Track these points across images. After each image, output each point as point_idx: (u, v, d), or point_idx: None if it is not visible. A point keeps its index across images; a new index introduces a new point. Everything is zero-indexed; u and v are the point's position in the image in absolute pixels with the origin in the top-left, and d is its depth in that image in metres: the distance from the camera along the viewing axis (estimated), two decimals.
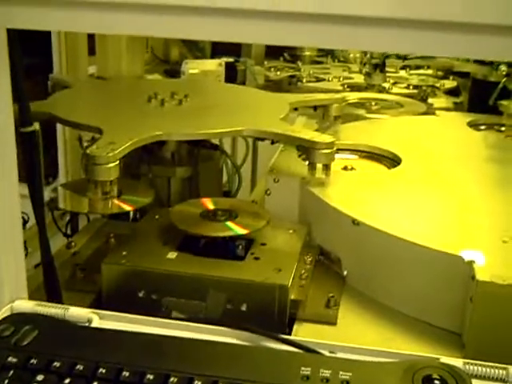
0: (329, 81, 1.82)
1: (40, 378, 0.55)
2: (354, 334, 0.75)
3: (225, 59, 1.61)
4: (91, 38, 1.54)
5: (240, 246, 0.81)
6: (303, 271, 0.81)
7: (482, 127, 1.35)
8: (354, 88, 1.73)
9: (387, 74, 1.82)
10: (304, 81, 1.80)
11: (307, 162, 0.93)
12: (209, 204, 0.87)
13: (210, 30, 0.54)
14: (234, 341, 0.64)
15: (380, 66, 1.69)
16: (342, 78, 1.83)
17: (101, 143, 0.84)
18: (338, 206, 0.86)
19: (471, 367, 0.58)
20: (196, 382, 0.55)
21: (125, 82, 1.39)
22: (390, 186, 0.97)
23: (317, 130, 1.06)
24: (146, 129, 0.92)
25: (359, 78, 1.80)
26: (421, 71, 2.00)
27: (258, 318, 0.73)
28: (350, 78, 1.84)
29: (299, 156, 1.00)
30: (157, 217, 0.89)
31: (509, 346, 0.66)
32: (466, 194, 0.94)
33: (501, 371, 0.58)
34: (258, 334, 0.63)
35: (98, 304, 0.77)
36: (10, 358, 0.56)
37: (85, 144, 1.02)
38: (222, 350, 0.61)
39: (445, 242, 0.76)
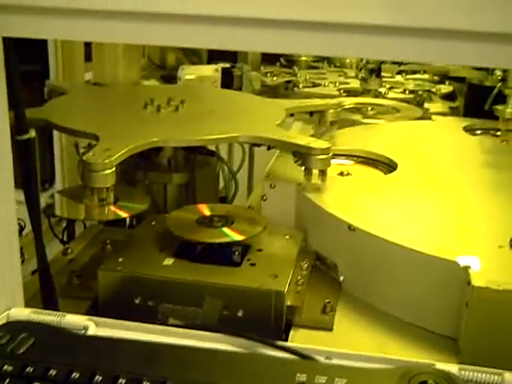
0: (325, 86, 1.83)
1: None
2: (350, 340, 0.75)
3: (221, 65, 1.61)
4: (88, 44, 1.54)
5: (236, 252, 0.81)
6: (299, 277, 0.81)
7: (478, 132, 1.36)
8: (350, 93, 1.73)
9: (383, 79, 1.83)
10: (300, 86, 1.81)
11: (303, 168, 0.93)
12: (205, 210, 0.87)
13: (206, 38, 0.54)
14: (230, 347, 0.64)
15: (376, 71, 1.69)
16: (338, 84, 1.83)
17: (97, 150, 0.84)
18: (334, 211, 0.87)
19: (466, 373, 0.58)
20: None
21: (121, 88, 1.39)
22: (386, 192, 0.97)
23: (313, 136, 1.07)
24: (142, 135, 0.92)
25: (355, 84, 1.80)
26: (417, 76, 2.01)
27: (254, 324, 0.74)
28: (346, 84, 1.85)
29: (295, 162, 1.00)
30: (153, 223, 0.89)
31: (504, 351, 0.67)
32: (462, 199, 0.94)
33: (496, 377, 0.58)
34: (254, 340, 0.63)
35: (94, 311, 0.77)
36: (5, 367, 0.56)
37: (81, 150, 1.02)
38: (218, 357, 0.61)
39: (440, 248, 0.76)
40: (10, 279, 0.67)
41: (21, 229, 0.94)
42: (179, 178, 1.06)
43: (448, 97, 1.83)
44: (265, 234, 0.85)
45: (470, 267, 0.71)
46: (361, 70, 1.79)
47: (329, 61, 2.14)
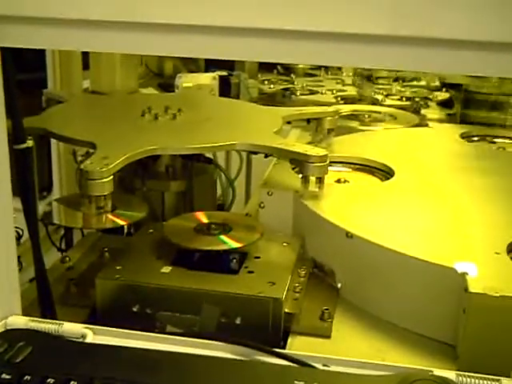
0: (322, 93, 1.83)
1: None
2: (348, 347, 0.75)
3: (218, 73, 1.61)
4: (85, 52, 1.54)
5: (234, 260, 0.81)
6: (297, 284, 0.81)
7: (475, 139, 1.36)
8: (348, 100, 1.73)
9: (380, 86, 1.84)
10: (298, 94, 1.81)
11: (300, 175, 0.94)
12: (203, 218, 0.88)
13: (202, 47, 0.55)
14: (228, 355, 0.64)
15: (370, 77, 1.70)
16: (335, 91, 1.84)
17: (95, 158, 0.84)
18: (332, 218, 0.87)
19: (464, 379, 0.58)
20: None
21: (119, 97, 1.39)
22: (383, 199, 0.97)
23: (310, 143, 1.07)
24: (139, 143, 0.92)
25: (352, 91, 1.81)
26: (414, 83, 2.01)
27: (252, 331, 0.74)
28: (344, 91, 1.85)
29: (293, 169, 1.00)
30: (151, 231, 0.89)
31: (502, 357, 0.67)
32: (459, 206, 0.94)
33: (493, 383, 0.58)
34: (252, 347, 0.63)
35: (92, 319, 0.77)
36: (3, 375, 0.56)
37: (79, 158, 1.02)
38: (216, 365, 0.61)
39: (438, 254, 0.76)
40: (7, 287, 0.67)
41: (18, 237, 0.94)
42: (177, 185, 1.06)
43: (445, 103, 1.83)
44: (262, 242, 0.85)
45: (467, 274, 0.72)
46: (355, 75, 1.80)
47: (326, 68, 2.15)
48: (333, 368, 0.61)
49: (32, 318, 0.66)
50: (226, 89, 1.61)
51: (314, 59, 0.57)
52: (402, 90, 1.89)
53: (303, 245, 0.90)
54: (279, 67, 2.12)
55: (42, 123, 1.01)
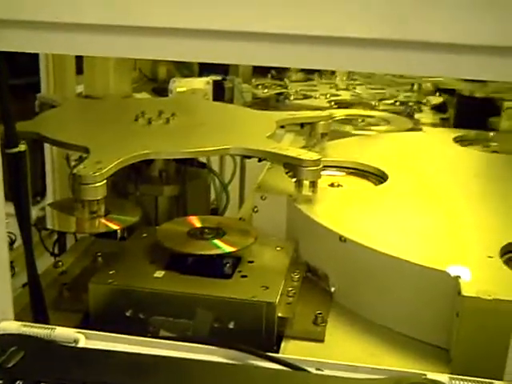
0: (316, 98, 1.83)
1: None
2: (341, 351, 0.75)
3: (212, 77, 1.61)
4: (79, 57, 1.54)
5: (227, 264, 0.81)
6: (291, 288, 0.81)
7: (468, 143, 1.36)
8: (341, 105, 1.74)
9: (374, 91, 1.84)
10: (291, 98, 1.82)
11: (294, 180, 0.94)
12: (196, 222, 0.87)
13: (196, 51, 0.55)
14: (222, 359, 0.64)
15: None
16: (328, 95, 1.84)
17: (88, 163, 0.84)
18: (325, 222, 0.87)
19: (457, 382, 0.58)
20: None
21: (112, 101, 1.39)
22: (376, 203, 0.97)
23: (304, 147, 1.07)
24: (133, 148, 0.92)
25: (346, 95, 1.81)
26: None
27: (245, 335, 0.73)
28: (337, 95, 1.86)
29: (286, 173, 1.00)
30: (144, 235, 0.89)
31: (495, 360, 0.66)
32: (452, 210, 0.94)
33: None
34: (245, 352, 0.63)
35: (85, 323, 0.77)
36: None
37: (72, 163, 1.02)
38: (209, 369, 0.61)
39: (431, 258, 0.76)
40: None
41: (11, 242, 0.93)
42: (170, 190, 1.06)
43: (439, 108, 1.84)
44: (256, 246, 0.85)
45: (460, 277, 0.72)
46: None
47: (320, 73, 2.15)
48: (326, 372, 0.61)
49: (24, 323, 0.65)
50: (219, 93, 1.62)
51: (308, 63, 0.57)
52: (396, 94, 1.89)
53: (297, 249, 0.90)
54: (273, 72, 2.12)
55: (35, 127, 1.01)
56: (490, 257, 0.78)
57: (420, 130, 1.51)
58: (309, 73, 2.15)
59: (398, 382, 0.56)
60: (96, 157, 0.86)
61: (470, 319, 0.69)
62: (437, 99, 1.88)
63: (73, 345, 0.63)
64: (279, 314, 0.75)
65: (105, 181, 0.81)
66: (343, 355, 0.71)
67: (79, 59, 1.55)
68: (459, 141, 1.34)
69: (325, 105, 1.74)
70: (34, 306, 0.74)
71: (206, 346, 0.64)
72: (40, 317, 0.73)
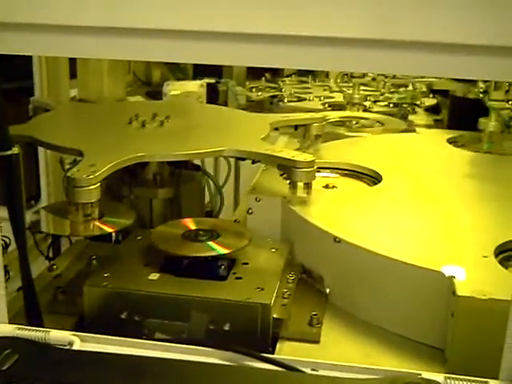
0: (310, 100, 1.84)
1: None
2: (336, 352, 0.75)
3: (206, 80, 1.62)
4: (73, 61, 1.54)
5: (222, 266, 0.81)
6: (286, 290, 0.81)
7: (462, 144, 1.37)
8: (335, 107, 1.74)
9: (368, 93, 1.85)
10: (285, 100, 1.82)
11: (288, 181, 0.94)
12: (190, 224, 0.87)
13: (192, 53, 0.55)
14: (217, 361, 0.64)
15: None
16: (322, 98, 1.84)
17: (81, 166, 0.84)
18: (320, 223, 0.87)
19: (452, 382, 0.59)
20: None
21: (106, 105, 1.39)
22: (371, 204, 0.97)
23: (298, 149, 1.07)
24: (127, 151, 0.92)
25: (340, 97, 1.82)
26: (401, 89, 2.02)
27: (241, 337, 0.73)
28: (331, 97, 1.86)
29: (281, 175, 1.00)
30: (139, 238, 0.89)
31: (490, 359, 0.67)
32: (446, 210, 0.94)
33: None
34: (241, 353, 0.63)
35: (80, 326, 0.77)
36: None
37: (66, 166, 1.02)
38: (204, 371, 0.61)
39: (426, 258, 0.77)
40: None
41: (6, 246, 0.93)
42: (164, 192, 1.06)
43: (432, 109, 1.84)
44: (251, 248, 0.85)
45: (455, 277, 0.72)
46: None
47: (313, 75, 2.16)
48: (321, 372, 0.61)
49: (19, 326, 0.65)
50: (213, 96, 1.62)
51: (301, 64, 0.57)
52: (390, 95, 1.90)
53: (291, 250, 0.90)
54: (267, 74, 2.12)
55: (28, 131, 1.01)
56: (484, 256, 0.78)
57: (414, 131, 1.51)
58: (302, 75, 2.16)
59: (393, 381, 0.56)
60: (90, 160, 0.86)
61: (465, 319, 0.69)
62: (430, 101, 1.89)
63: (67, 347, 0.63)
64: (274, 316, 0.75)
65: (99, 184, 0.81)
66: (339, 356, 0.71)
67: (73, 63, 1.55)
68: (453, 142, 1.35)
69: (319, 107, 1.74)
70: (29, 309, 0.73)
71: (201, 348, 0.64)
72: (34, 320, 0.73)
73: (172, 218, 1.00)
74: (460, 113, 1.63)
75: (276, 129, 1.18)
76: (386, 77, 2.12)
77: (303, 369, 0.61)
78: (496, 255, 0.79)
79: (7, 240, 1.02)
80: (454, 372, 0.61)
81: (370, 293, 0.81)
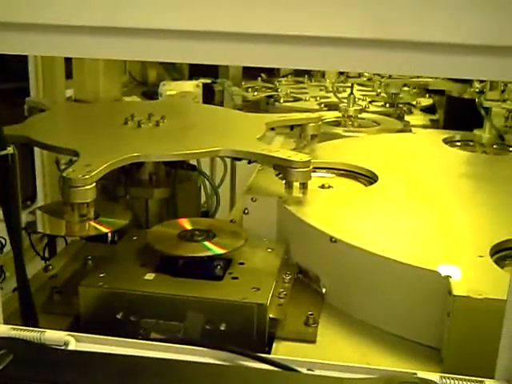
0: (306, 100, 1.84)
1: None
2: (333, 351, 0.75)
3: (202, 80, 1.61)
4: (68, 61, 1.54)
5: (218, 266, 0.81)
6: (282, 290, 0.81)
7: (458, 144, 1.37)
8: (331, 107, 1.74)
9: (365, 93, 1.85)
10: (281, 101, 1.82)
11: (284, 181, 0.94)
12: (186, 224, 0.87)
13: (192, 53, 0.55)
14: (213, 361, 0.63)
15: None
16: (318, 98, 1.84)
17: (77, 166, 0.84)
18: (316, 223, 0.87)
19: (448, 381, 0.59)
20: None
21: (102, 105, 1.39)
22: (367, 204, 0.97)
23: (294, 149, 1.07)
24: (122, 151, 0.92)
25: (336, 98, 1.81)
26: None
27: (237, 337, 0.73)
28: (327, 97, 1.86)
29: (277, 175, 1.00)
30: (135, 238, 0.89)
31: (486, 359, 0.67)
32: (442, 210, 0.94)
33: None
34: (237, 353, 0.63)
35: (76, 327, 0.77)
36: None
37: (62, 167, 1.01)
38: (200, 371, 0.61)
39: (422, 258, 0.77)
40: None
41: (1, 246, 0.93)
42: (160, 192, 1.06)
43: (428, 109, 1.85)
44: (247, 248, 0.85)
45: (451, 277, 0.72)
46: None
47: (309, 75, 2.16)
48: (317, 372, 0.61)
49: (14, 326, 0.65)
50: (209, 96, 1.62)
51: (298, 63, 0.57)
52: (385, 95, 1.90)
53: (287, 250, 0.90)
54: (263, 75, 2.12)
55: (24, 131, 1.01)
56: (480, 256, 0.78)
57: (410, 131, 1.52)
58: (298, 75, 2.16)
59: (389, 381, 0.56)
60: (85, 160, 0.86)
61: (461, 318, 0.69)
62: (427, 101, 1.89)
63: (63, 348, 0.63)
64: (270, 316, 0.75)
65: (94, 184, 0.81)
66: (335, 356, 0.71)
67: (68, 63, 1.54)
68: (448, 142, 1.35)
69: (315, 107, 1.74)
70: (24, 309, 0.73)
71: (198, 348, 0.64)
72: (30, 320, 0.73)
73: (168, 218, 1.00)
74: (456, 113, 1.63)
75: (272, 129, 1.18)
76: (382, 77, 2.11)
77: (299, 369, 0.61)
78: (492, 255, 0.79)
79: (3, 240, 1.02)
80: (450, 371, 0.61)
81: (366, 292, 0.81)
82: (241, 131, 1.12)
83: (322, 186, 1.04)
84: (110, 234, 0.95)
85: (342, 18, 0.49)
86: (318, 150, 1.19)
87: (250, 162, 0.99)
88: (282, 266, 0.85)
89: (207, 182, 1.15)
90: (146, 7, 0.52)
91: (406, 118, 1.71)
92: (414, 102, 1.85)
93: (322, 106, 1.77)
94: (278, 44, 0.52)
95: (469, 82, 1.62)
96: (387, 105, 1.81)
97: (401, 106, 1.79)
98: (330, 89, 1.98)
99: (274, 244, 0.90)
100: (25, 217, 0.89)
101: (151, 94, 1.76)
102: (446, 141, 1.34)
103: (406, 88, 1.99)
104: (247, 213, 0.96)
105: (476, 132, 1.35)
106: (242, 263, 0.83)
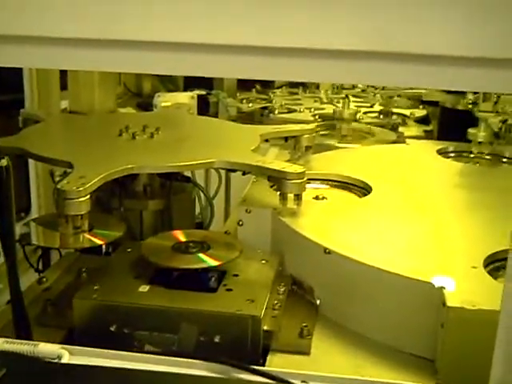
0: (300, 112, 1.84)
1: None
2: (327, 363, 0.75)
3: (197, 92, 1.62)
4: (63, 72, 1.54)
5: (212, 278, 0.81)
6: (276, 301, 0.81)
7: (451, 155, 1.37)
8: (326, 118, 1.74)
9: (359, 104, 1.86)
10: (276, 112, 1.82)
11: (279, 193, 0.94)
12: (181, 236, 0.87)
13: (184, 65, 0.55)
14: (207, 373, 0.63)
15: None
16: (313, 109, 1.84)
17: (71, 178, 0.84)
18: (310, 235, 0.87)
19: None
20: None
21: (96, 116, 1.39)
22: (361, 215, 0.98)
23: (288, 161, 1.07)
24: (116, 162, 0.92)
25: (330, 109, 1.82)
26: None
27: (231, 349, 0.73)
28: (322, 109, 1.86)
29: (271, 187, 1.00)
30: (129, 250, 0.89)
31: (480, 370, 0.67)
32: (436, 221, 0.95)
33: None
34: (231, 365, 0.63)
35: (69, 339, 0.76)
36: None
37: (57, 178, 1.01)
38: (195, 383, 0.60)
39: (415, 269, 0.77)
40: None
41: None
42: (155, 204, 1.06)
43: (422, 120, 1.85)
44: (241, 259, 0.85)
45: (444, 288, 0.72)
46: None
47: (304, 87, 2.16)
48: None
49: (6, 340, 0.65)
50: (204, 108, 1.62)
51: (292, 76, 0.57)
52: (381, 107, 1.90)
53: (282, 262, 0.90)
54: (258, 86, 2.13)
55: (18, 143, 1.01)
56: (474, 267, 0.78)
57: (404, 142, 1.52)
58: (293, 87, 2.17)
59: None
60: (80, 172, 0.86)
61: (455, 329, 0.70)
62: (420, 112, 1.90)
63: (56, 361, 0.63)
64: (265, 328, 0.75)
65: (88, 196, 0.81)
66: (329, 367, 0.71)
67: (63, 75, 1.54)
68: (442, 153, 1.35)
69: (309, 118, 1.75)
70: (17, 322, 0.73)
71: (191, 360, 0.64)
72: (23, 333, 0.72)
73: (162, 230, 1.00)
74: (449, 124, 1.64)
75: (266, 140, 1.19)
76: (376, 88, 2.12)
77: (293, 381, 0.61)
78: (485, 266, 0.79)
79: None
80: (444, 382, 0.61)
81: (360, 304, 0.81)
82: (235, 143, 1.12)
83: (317, 198, 1.04)
84: (104, 246, 0.95)
85: (338, 30, 0.50)
86: (312, 161, 1.19)
87: (244, 174, 0.99)
88: (276, 277, 0.85)
89: (202, 194, 1.15)
90: (141, 20, 0.52)
91: (400, 129, 1.71)
92: (408, 113, 1.86)
93: (317, 117, 1.77)
94: (273, 56, 0.52)
95: (462, 93, 1.62)
96: (381, 116, 1.81)
97: (395, 117, 1.80)
98: (325, 100, 1.99)
99: (269, 255, 0.90)
100: (19, 229, 0.89)
101: (146, 105, 1.76)
102: (440, 152, 1.35)
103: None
104: (242, 224, 0.96)
105: (471, 131, 1.35)
106: (237, 275, 0.83)
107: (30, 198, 1.63)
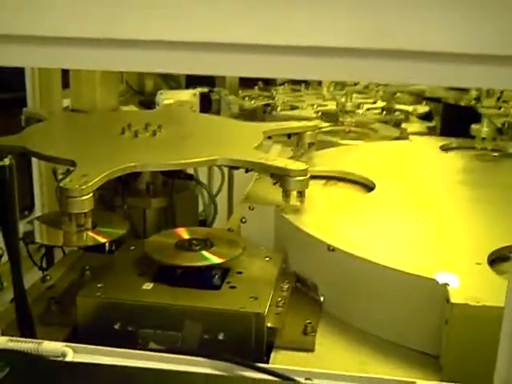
0: (303, 108, 1.84)
1: None
2: (331, 360, 0.75)
3: (199, 89, 1.61)
4: (65, 71, 1.54)
5: (216, 276, 0.81)
6: (280, 298, 0.81)
7: (455, 151, 1.37)
8: (328, 115, 1.74)
9: (360, 100, 1.85)
10: (278, 109, 1.82)
11: (282, 190, 0.94)
12: (184, 234, 0.87)
13: (184, 63, 0.55)
14: (211, 371, 0.63)
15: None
16: (315, 106, 1.84)
17: (74, 176, 0.84)
18: (313, 232, 0.87)
19: None
20: None
21: (99, 115, 1.39)
22: (364, 212, 0.97)
23: (291, 158, 1.07)
24: (119, 160, 0.92)
25: (333, 105, 1.82)
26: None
27: (235, 346, 0.73)
28: (324, 106, 1.86)
29: (274, 184, 1.00)
30: (132, 248, 0.89)
31: (485, 366, 0.67)
32: (440, 218, 0.95)
33: None
34: (235, 363, 0.63)
35: (73, 337, 0.76)
36: None
37: (59, 177, 1.01)
38: (199, 381, 0.61)
39: (419, 266, 0.77)
40: None
41: None
42: (158, 202, 1.06)
43: (425, 117, 1.85)
44: (244, 257, 0.85)
45: (448, 284, 0.72)
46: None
47: (306, 83, 2.16)
48: (316, 382, 0.61)
49: (11, 338, 0.65)
50: (206, 105, 1.61)
51: (293, 73, 0.57)
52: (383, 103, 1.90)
53: (285, 259, 0.90)
54: (260, 83, 2.12)
55: (21, 142, 1.01)
56: (478, 263, 0.78)
57: (407, 138, 1.52)
58: (295, 84, 2.16)
59: None
60: (82, 170, 0.86)
61: (459, 326, 0.69)
62: (423, 108, 1.89)
63: (60, 359, 0.63)
64: (268, 325, 0.75)
65: (91, 194, 0.81)
66: (333, 364, 0.71)
67: (65, 73, 1.54)
68: (446, 149, 1.35)
69: (312, 115, 1.74)
70: (21, 320, 0.73)
71: (195, 358, 0.64)
72: (27, 331, 0.72)
73: (165, 228, 1.00)
74: (452, 120, 1.63)
75: (269, 137, 1.18)
76: (379, 85, 2.12)
77: (298, 378, 0.61)
78: (489, 262, 0.79)
79: (0, 251, 1.01)
80: (449, 379, 0.61)
81: (364, 301, 0.81)
82: (238, 140, 1.12)
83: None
84: (107, 244, 0.95)
85: (341, 28, 0.50)
86: (315, 158, 1.19)
87: (247, 171, 0.99)
88: (279, 274, 0.85)
89: (205, 191, 1.15)
90: (142, 19, 0.52)
91: (403, 125, 1.71)
92: (411, 110, 1.85)
93: (319, 114, 1.77)
94: (274, 55, 0.52)
95: (465, 89, 1.62)
96: (384, 112, 1.81)
97: (398, 113, 1.79)
98: (327, 97, 1.98)
99: (272, 253, 0.90)
100: (22, 227, 0.89)
101: (148, 103, 1.76)
102: (443, 148, 1.34)
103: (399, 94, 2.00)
104: (245, 221, 0.96)
105: (474, 126, 1.35)
106: (240, 272, 0.83)
107: (33, 196, 1.62)
